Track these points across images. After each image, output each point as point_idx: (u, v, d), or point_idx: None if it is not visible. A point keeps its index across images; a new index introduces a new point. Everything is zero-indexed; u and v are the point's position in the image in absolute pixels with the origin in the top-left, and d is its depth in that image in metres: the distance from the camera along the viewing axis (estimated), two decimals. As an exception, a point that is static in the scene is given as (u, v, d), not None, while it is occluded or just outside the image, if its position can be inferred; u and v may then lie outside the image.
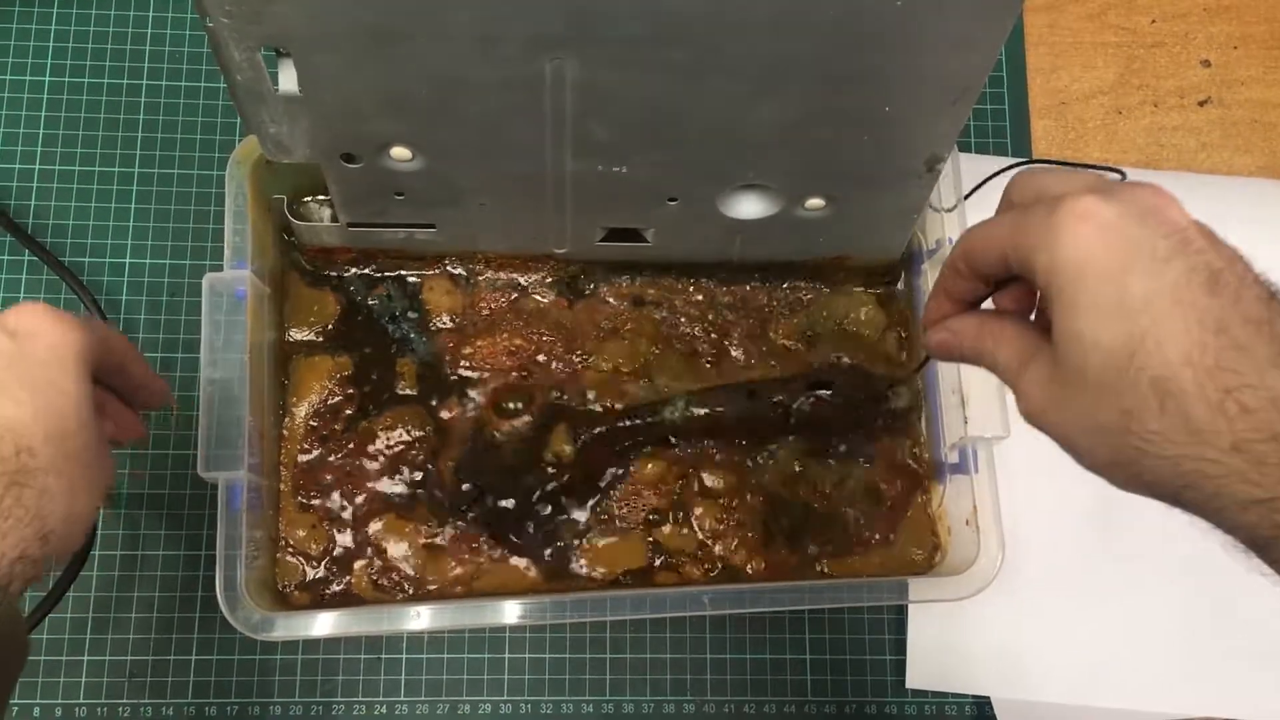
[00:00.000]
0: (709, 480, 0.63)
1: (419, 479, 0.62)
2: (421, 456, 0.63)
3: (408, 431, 0.63)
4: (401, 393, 0.64)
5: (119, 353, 0.48)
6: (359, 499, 0.62)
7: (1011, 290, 0.42)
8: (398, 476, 0.62)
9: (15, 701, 0.60)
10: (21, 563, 0.40)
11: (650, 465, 0.63)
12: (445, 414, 0.63)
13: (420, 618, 0.55)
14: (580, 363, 0.65)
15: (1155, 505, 0.65)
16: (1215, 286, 0.34)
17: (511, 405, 0.64)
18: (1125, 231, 0.34)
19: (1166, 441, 0.34)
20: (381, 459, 0.62)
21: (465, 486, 0.62)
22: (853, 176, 0.56)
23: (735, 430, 0.63)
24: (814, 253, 0.65)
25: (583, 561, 0.62)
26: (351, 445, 0.62)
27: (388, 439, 0.63)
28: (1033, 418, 0.38)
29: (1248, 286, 0.34)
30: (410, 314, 0.65)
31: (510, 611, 0.56)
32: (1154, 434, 0.34)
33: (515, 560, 0.62)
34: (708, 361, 0.65)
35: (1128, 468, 0.35)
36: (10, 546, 0.39)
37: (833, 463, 0.64)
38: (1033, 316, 0.42)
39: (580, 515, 0.63)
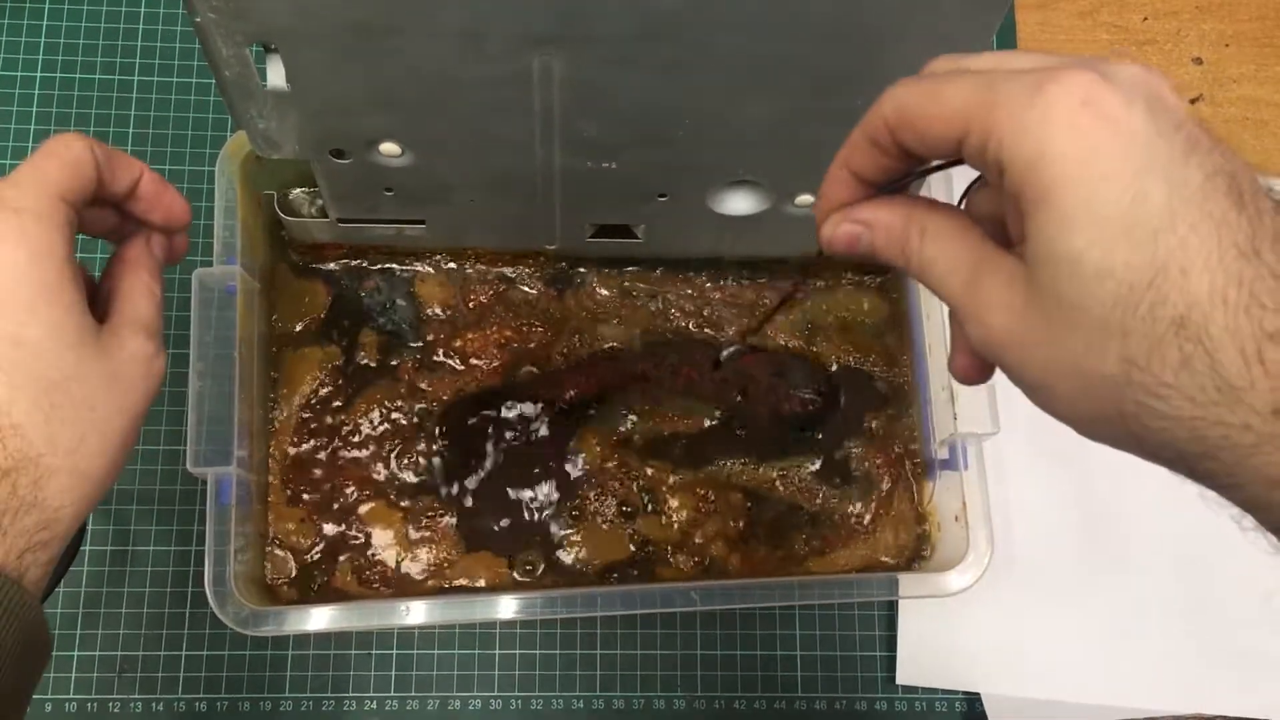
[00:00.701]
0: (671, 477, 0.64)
1: (406, 469, 0.62)
2: (409, 446, 0.63)
3: (395, 419, 0.63)
4: (388, 379, 0.64)
5: (115, 160, 0.41)
6: (348, 490, 0.62)
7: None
8: (385, 467, 0.62)
9: (5, 697, 0.60)
10: (31, 551, 0.37)
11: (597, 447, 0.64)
12: (434, 403, 0.63)
13: (411, 613, 0.55)
14: (570, 346, 0.65)
15: (1146, 503, 0.65)
16: (1239, 197, 0.27)
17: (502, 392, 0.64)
18: (1135, 124, 0.27)
19: (1184, 400, 0.27)
20: (369, 450, 0.62)
21: (451, 473, 0.62)
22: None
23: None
24: (804, 249, 0.65)
25: (569, 553, 0.62)
26: (340, 437, 0.62)
27: (375, 429, 0.63)
28: (992, 349, 0.30)
29: (1263, 197, 0.27)
30: (400, 304, 0.65)
31: (501, 607, 0.56)
32: (1167, 389, 0.27)
33: (498, 552, 0.62)
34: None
35: (1121, 424, 0.28)
36: (15, 539, 0.37)
37: (819, 457, 0.64)
38: (962, 205, 0.34)
39: (563, 505, 0.63)
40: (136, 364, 0.41)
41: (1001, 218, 0.32)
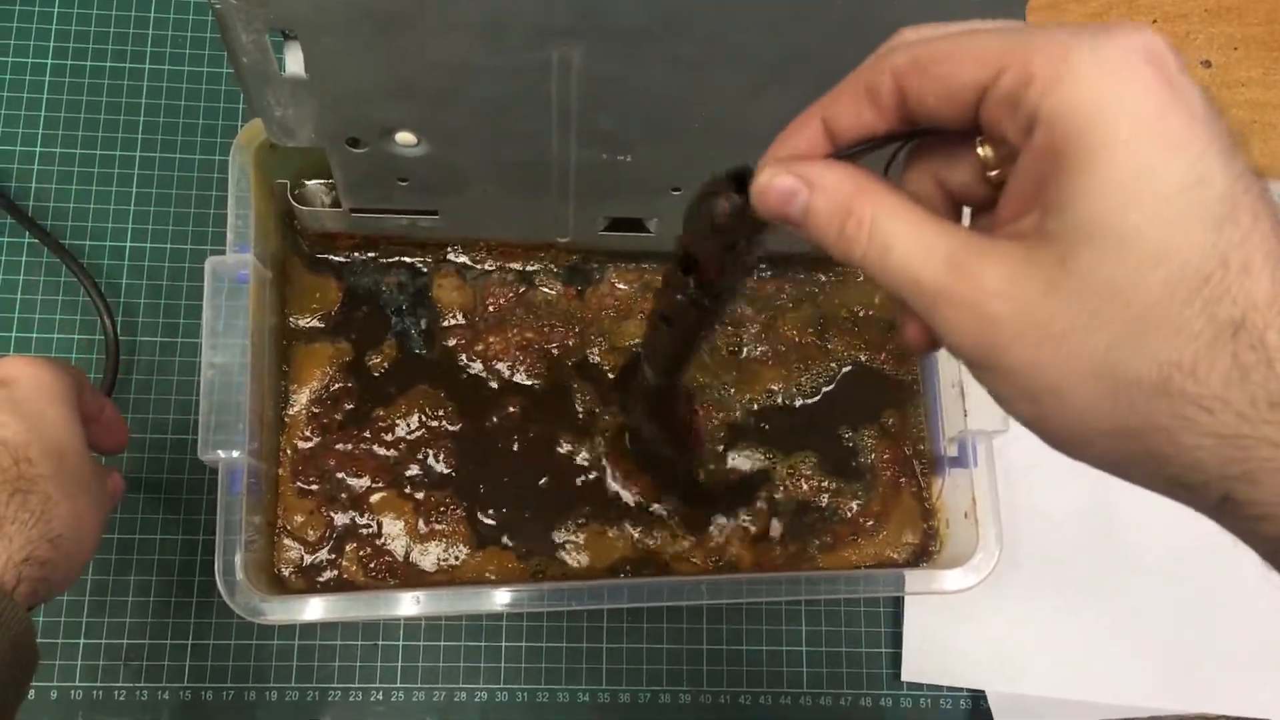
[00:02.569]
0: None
1: (420, 466, 0.62)
2: (423, 444, 0.63)
3: (410, 417, 0.63)
4: (402, 377, 0.64)
5: (92, 392, 0.51)
6: (359, 484, 0.62)
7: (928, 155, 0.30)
8: (399, 463, 0.62)
9: (11, 684, 0.60)
10: (29, 565, 0.41)
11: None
12: (450, 404, 0.63)
13: (416, 603, 0.55)
14: (595, 347, 0.65)
15: (1152, 502, 0.65)
16: (1270, 197, 0.24)
17: (519, 383, 0.64)
18: (1194, 97, 0.24)
19: (1232, 415, 0.23)
20: (382, 445, 0.62)
21: (466, 472, 0.62)
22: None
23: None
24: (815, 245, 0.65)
25: (577, 549, 0.62)
26: (353, 433, 0.62)
27: (389, 425, 0.63)
28: (985, 344, 0.26)
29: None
30: (420, 310, 0.65)
31: (506, 599, 0.56)
32: (1216, 401, 0.23)
33: (509, 547, 0.62)
34: (729, 351, 0.66)
35: (1143, 441, 0.25)
36: (18, 549, 0.41)
37: (831, 453, 0.64)
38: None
39: (576, 502, 0.63)
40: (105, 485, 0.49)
41: (947, 196, 0.30)
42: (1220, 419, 0.24)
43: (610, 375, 0.64)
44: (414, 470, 0.62)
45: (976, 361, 0.27)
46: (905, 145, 0.30)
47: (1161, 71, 0.24)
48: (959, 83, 0.26)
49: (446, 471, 0.62)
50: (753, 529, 0.63)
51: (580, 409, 0.64)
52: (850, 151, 0.29)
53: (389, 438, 0.62)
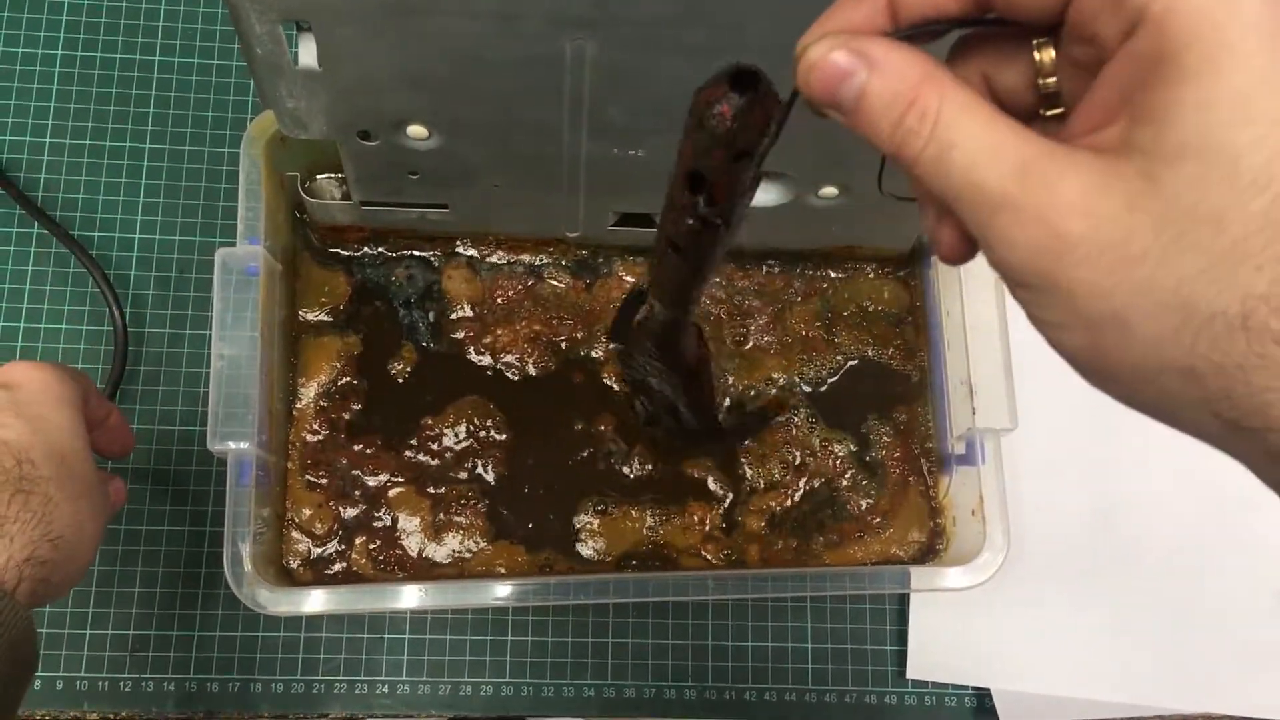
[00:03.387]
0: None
1: (429, 458, 0.62)
2: (434, 436, 0.63)
3: (420, 410, 0.63)
4: (413, 371, 0.64)
5: (98, 398, 0.51)
6: (367, 476, 0.62)
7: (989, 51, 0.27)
8: (407, 456, 0.62)
9: (17, 673, 0.60)
10: (30, 564, 0.42)
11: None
12: (459, 397, 0.64)
13: (422, 596, 0.55)
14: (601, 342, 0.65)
15: (1158, 501, 0.66)
16: None
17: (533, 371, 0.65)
18: None
19: None
20: (393, 438, 0.63)
21: (482, 466, 0.63)
22: (866, 164, 0.56)
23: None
24: (826, 242, 0.65)
25: (588, 539, 0.62)
26: (361, 425, 0.62)
27: (400, 419, 0.63)
28: (1048, 262, 0.24)
29: None
30: (428, 303, 0.65)
31: (512, 592, 0.56)
32: None
33: (519, 540, 0.62)
34: (735, 341, 0.66)
35: (1206, 383, 0.23)
36: (19, 549, 0.42)
37: (838, 448, 0.64)
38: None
39: (584, 495, 0.63)
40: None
41: (991, 97, 0.27)
42: None
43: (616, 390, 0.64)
44: (430, 465, 0.62)
45: (1031, 281, 0.24)
46: (985, 26, 0.27)
47: None
48: None
49: (465, 466, 0.62)
50: (777, 507, 0.63)
51: (592, 395, 0.64)
52: (909, 32, 0.26)
53: (400, 432, 0.63)
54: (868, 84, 0.25)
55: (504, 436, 0.63)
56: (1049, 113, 0.27)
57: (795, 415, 0.65)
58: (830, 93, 0.26)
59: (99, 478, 0.48)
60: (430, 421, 0.63)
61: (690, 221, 0.37)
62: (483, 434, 0.63)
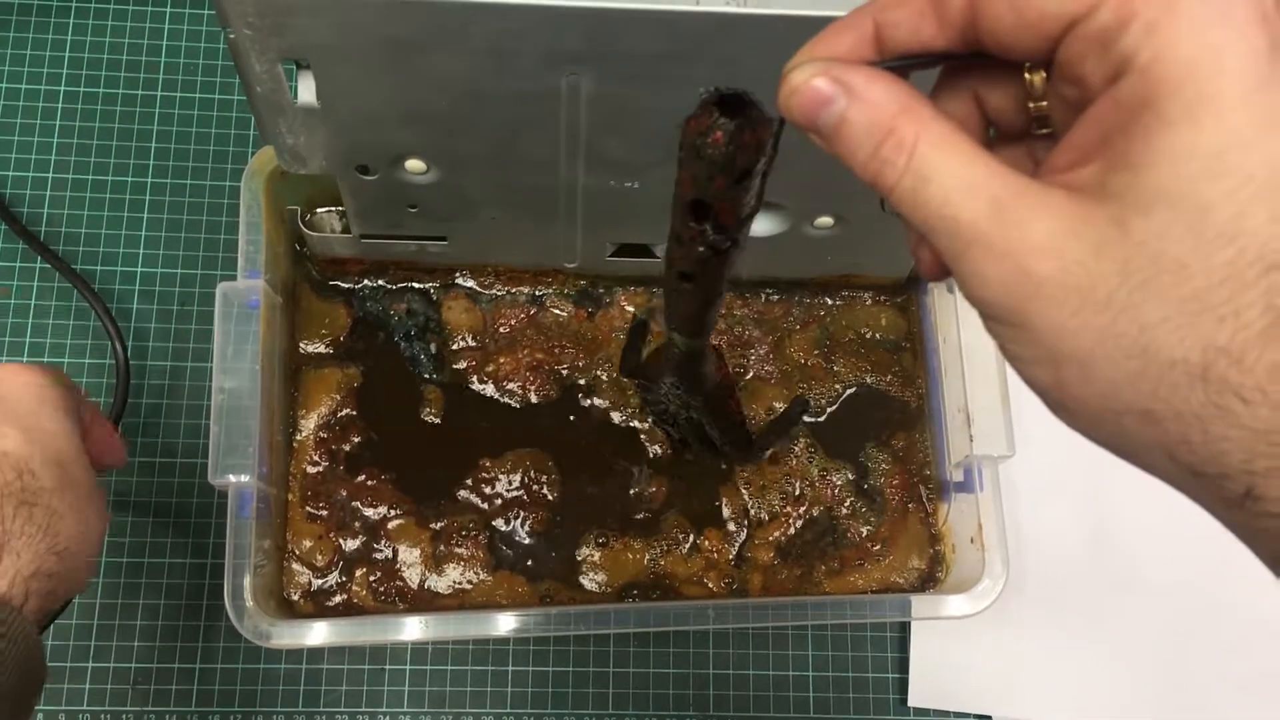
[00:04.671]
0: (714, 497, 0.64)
1: (428, 488, 0.63)
2: (434, 466, 0.63)
3: (419, 441, 0.63)
4: (414, 400, 0.64)
5: (87, 408, 0.51)
6: (367, 507, 0.62)
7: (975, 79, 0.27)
8: (407, 487, 0.63)
9: (19, 707, 0.60)
10: (37, 579, 0.41)
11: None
12: (461, 426, 0.64)
13: (423, 628, 0.55)
14: (602, 369, 0.65)
15: (1158, 527, 0.65)
16: None
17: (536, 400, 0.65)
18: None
19: (1271, 409, 0.22)
20: (392, 469, 0.63)
21: (485, 495, 0.63)
22: (861, 194, 0.56)
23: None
24: (822, 271, 0.65)
25: (590, 570, 0.62)
26: (362, 457, 0.63)
27: (399, 449, 0.63)
28: (1019, 300, 0.24)
29: None
30: (429, 334, 0.65)
31: (513, 623, 0.56)
32: (1258, 393, 0.22)
33: (521, 570, 0.62)
34: (735, 370, 0.66)
35: (1164, 427, 0.23)
36: (25, 564, 0.41)
37: (836, 476, 0.65)
38: None
39: (585, 525, 0.63)
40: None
41: (980, 117, 0.28)
42: (1257, 411, 0.22)
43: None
44: (431, 496, 0.63)
45: (1001, 317, 0.25)
46: (954, 60, 0.27)
47: (1266, 29, 0.22)
48: (1047, 10, 0.24)
49: (467, 497, 0.63)
50: (781, 537, 0.63)
51: (596, 420, 0.65)
52: (894, 64, 0.27)
53: (399, 463, 0.63)
54: (847, 112, 0.26)
55: (508, 466, 0.63)
56: (1040, 131, 0.27)
57: (795, 444, 0.65)
58: (810, 118, 0.26)
59: (97, 484, 0.47)
60: (435, 452, 0.63)
61: (700, 250, 0.37)
62: (488, 464, 0.63)
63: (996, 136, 0.29)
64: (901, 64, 0.27)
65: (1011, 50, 0.25)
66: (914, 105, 0.25)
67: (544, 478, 0.63)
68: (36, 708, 0.60)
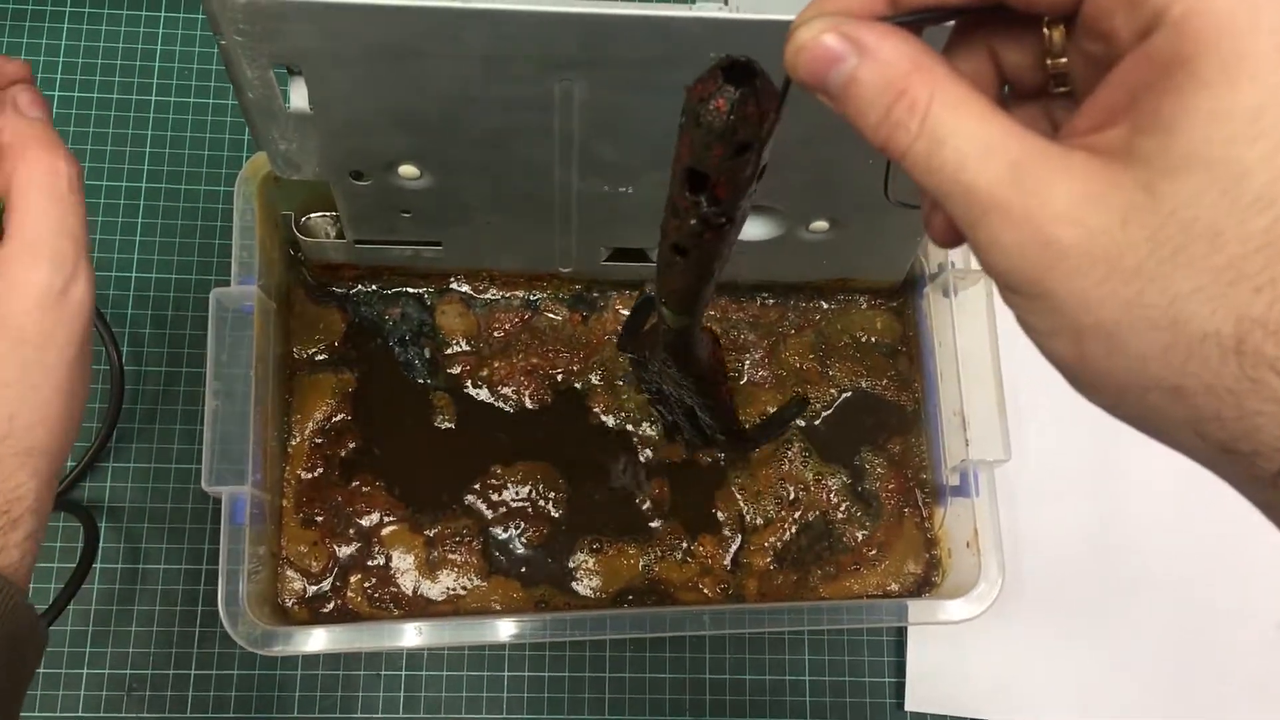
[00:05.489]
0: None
1: (424, 493, 0.63)
2: (429, 470, 0.63)
3: (414, 446, 0.63)
4: (409, 405, 0.64)
5: None
6: (362, 513, 0.62)
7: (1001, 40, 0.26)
8: (402, 492, 0.62)
9: (13, 714, 0.60)
10: (1, 532, 0.35)
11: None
12: (456, 429, 0.64)
13: (418, 634, 0.55)
14: (598, 374, 0.65)
15: (1156, 530, 0.65)
16: None
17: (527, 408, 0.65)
18: None
19: None
20: (387, 475, 0.63)
21: (480, 499, 0.63)
22: (856, 198, 0.56)
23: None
24: (818, 275, 0.65)
25: (585, 575, 0.62)
26: (356, 462, 0.63)
27: (395, 454, 0.63)
28: (1038, 269, 0.23)
29: None
30: (423, 339, 0.65)
31: (509, 629, 0.56)
32: None
33: (516, 575, 0.62)
34: (731, 376, 0.66)
35: (1195, 401, 0.22)
36: None
37: (831, 481, 0.65)
38: None
39: (581, 530, 0.63)
40: (44, 310, 0.37)
41: (996, 74, 0.26)
42: None
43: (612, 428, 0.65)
44: (425, 502, 0.62)
45: (1020, 287, 0.23)
46: (974, 11, 0.26)
47: None
48: None
49: (461, 500, 0.63)
50: (776, 542, 0.63)
51: (592, 425, 0.65)
52: (907, 19, 0.25)
53: (395, 468, 0.63)
54: (857, 71, 0.24)
55: (503, 472, 0.63)
56: (1057, 90, 0.27)
57: (790, 448, 0.65)
58: (818, 77, 0.25)
59: (12, 310, 0.36)
60: (430, 457, 0.63)
61: (693, 223, 0.36)
62: (484, 470, 0.63)
63: (1010, 96, 0.28)
64: (916, 19, 0.25)
65: (1033, 2, 0.24)
66: (928, 64, 0.24)
67: (539, 482, 0.63)
68: (32, 714, 0.60)
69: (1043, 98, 0.27)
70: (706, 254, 0.39)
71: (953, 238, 0.28)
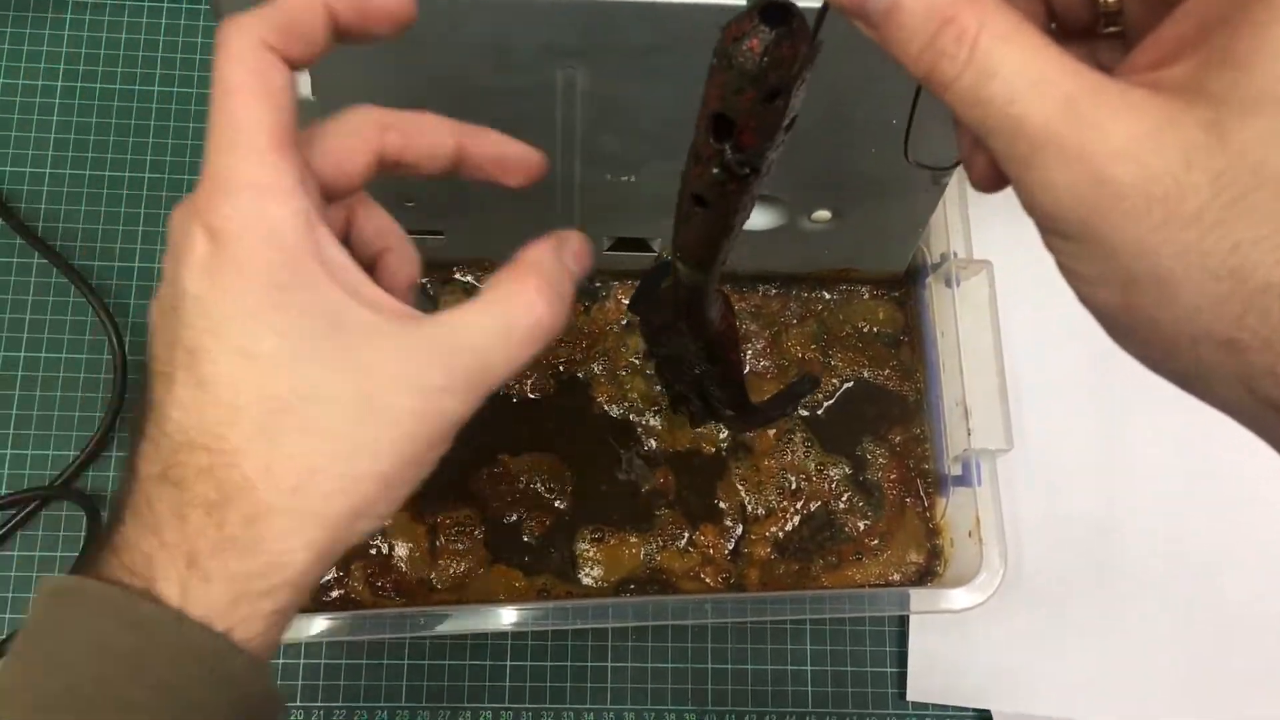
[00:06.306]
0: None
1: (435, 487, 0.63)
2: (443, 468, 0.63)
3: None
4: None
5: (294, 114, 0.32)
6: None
7: None
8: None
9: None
10: (248, 600, 0.29)
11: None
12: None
13: (422, 623, 0.55)
14: (601, 363, 0.65)
15: (1158, 519, 0.65)
16: None
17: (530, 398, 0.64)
18: None
19: None
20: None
21: (482, 489, 0.63)
22: (858, 188, 0.56)
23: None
24: (819, 265, 0.65)
25: (587, 564, 0.62)
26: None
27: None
28: (1094, 212, 0.21)
29: None
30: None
31: (511, 618, 0.56)
32: None
33: (515, 567, 0.62)
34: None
35: (1250, 355, 0.21)
36: (220, 592, 0.28)
37: (833, 471, 0.65)
38: None
39: (583, 519, 0.63)
40: (433, 410, 0.31)
41: (1045, 10, 0.25)
42: None
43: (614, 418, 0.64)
44: (430, 490, 0.62)
45: (1069, 230, 0.22)
46: None
47: None
48: None
49: (464, 489, 0.63)
50: (778, 532, 0.63)
51: (595, 414, 0.65)
52: None
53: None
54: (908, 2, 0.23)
55: (506, 461, 0.63)
56: (1107, 30, 0.25)
57: (792, 438, 0.65)
58: (858, 1, 0.24)
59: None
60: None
61: (716, 171, 0.34)
62: (486, 459, 0.63)
63: (1055, 37, 0.26)
64: None
65: None
66: None
67: (541, 472, 0.63)
68: None
69: (1089, 39, 0.26)
70: (728, 206, 0.37)
71: (995, 181, 0.26)
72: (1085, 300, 0.23)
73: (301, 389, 0.29)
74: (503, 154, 0.37)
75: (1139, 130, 0.21)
